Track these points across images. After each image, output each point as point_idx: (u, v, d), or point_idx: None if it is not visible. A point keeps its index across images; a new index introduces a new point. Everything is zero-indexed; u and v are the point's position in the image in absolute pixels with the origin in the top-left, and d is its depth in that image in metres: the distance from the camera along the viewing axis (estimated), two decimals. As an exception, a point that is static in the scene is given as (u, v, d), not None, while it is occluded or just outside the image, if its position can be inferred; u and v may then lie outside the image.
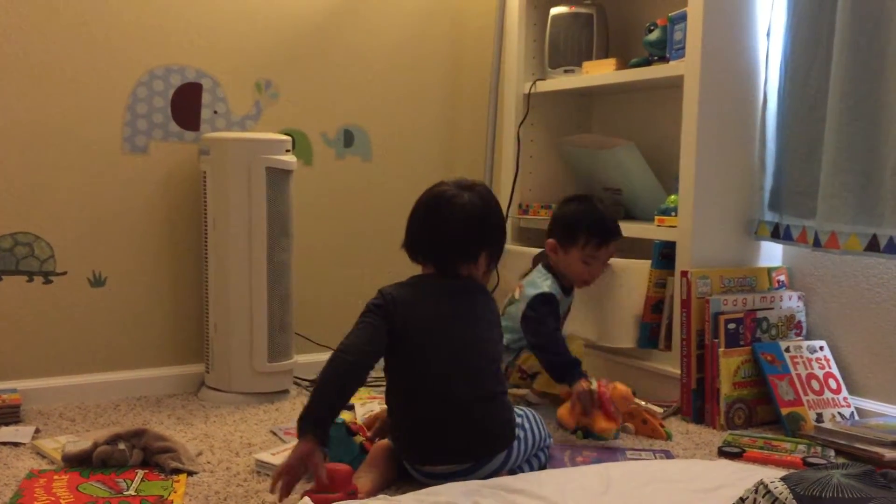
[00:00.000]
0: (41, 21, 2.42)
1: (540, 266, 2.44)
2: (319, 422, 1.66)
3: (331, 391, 1.70)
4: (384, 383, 2.76)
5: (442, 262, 1.87)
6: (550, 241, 2.41)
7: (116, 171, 2.55)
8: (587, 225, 2.36)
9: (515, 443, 1.82)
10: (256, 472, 1.90)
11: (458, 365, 1.79)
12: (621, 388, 2.15)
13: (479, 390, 1.79)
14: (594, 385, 2.12)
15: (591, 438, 2.17)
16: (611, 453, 2.03)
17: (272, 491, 1.65)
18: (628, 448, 2.10)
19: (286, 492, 1.63)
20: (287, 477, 1.63)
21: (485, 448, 1.78)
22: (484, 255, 1.89)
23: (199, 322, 2.63)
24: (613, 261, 2.65)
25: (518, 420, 1.85)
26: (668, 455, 2.05)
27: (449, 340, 1.81)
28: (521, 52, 3.02)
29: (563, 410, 2.14)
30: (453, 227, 1.85)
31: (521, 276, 2.51)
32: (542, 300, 2.32)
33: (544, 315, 2.30)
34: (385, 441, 1.87)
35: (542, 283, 2.36)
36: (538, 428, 1.91)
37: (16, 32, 2.39)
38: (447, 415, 1.77)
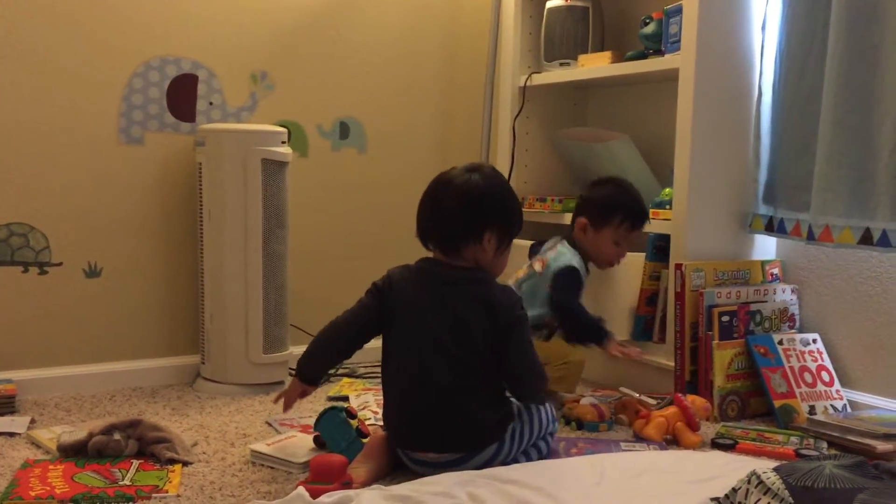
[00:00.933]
0: (36, 12, 2.41)
1: (564, 241, 2.45)
2: (301, 371, 1.94)
3: (310, 350, 1.94)
4: (380, 375, 2.78)
5: (445, 244, 1.85)
6: (581, 219, 2.44)
7: (112, 162, 2.54)
8: (626, 206, 2.40)
9: (509, 436, 1.81)
10: (252, 462, 1.90)
11: (440, 353, 1.79)
12: (699, 399, 2.20)
13: (461, 380, 1.78)
14: (663, 408, 2.15)
15: (584, 430, 2.18)
16: (605, 445, 2.04)
17: (275, 401, 1.99)
18: (622, 440, 2.10)
19: (287, 408, 1.96)
20: (286, 399, 1.96)
21: (470, 439, 1.78)
22: (489, 236, 1.84)
23: (194, 313, 2.63)
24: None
25: (516, 411, 1.85)
26: (661, 447, 2.06)
27: (434, 327, 1.80)
28: (517, 45, 3.02)
29: (651, 430, 2.09)
30: (452, 206, 1.83)
31: (542, 252, 2.49)
32: (570, 272, 2.37)
33: (570, 285, 2.35)
34: (381, 433, 1.88)
35: (571, 257, 2.40)
36: (540, 417, 1.89)
37: (11, 24, 2.38)
38: (428, 403, 1.79)
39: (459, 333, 1.79)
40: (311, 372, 1.94)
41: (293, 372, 2.67)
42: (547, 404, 1.93)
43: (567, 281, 2.36)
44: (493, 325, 1.80)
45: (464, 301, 1.81)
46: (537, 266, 2.43)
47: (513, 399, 1.88)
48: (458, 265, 1.85)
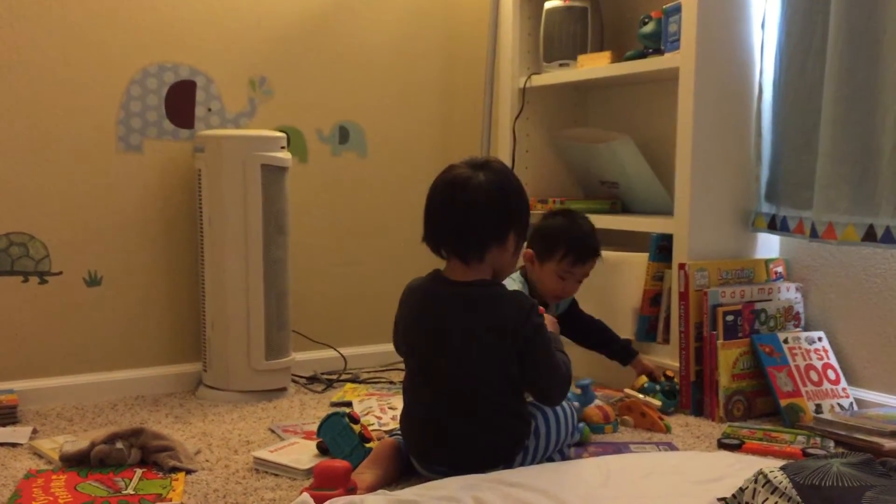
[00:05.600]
0: (34, 20, 2.41)
1: (519, 271, 2.37)
2: None
3: None
4: (383, 380, 2.79)
5: (468, 250, 1.75)
6: (528, 251, 2.34)
7: (111, 170, 2.54)
8: (568, 239, 2.29)
9: (520, 456, 1.78)
10: (255, 469, 1.89)
11: (448, 383, 1.76)
12: None
13: (457, 405, 1.75)
14: None
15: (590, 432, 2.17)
16: (615, 448, 2.02)
17: None
18: (632, 442, 2.09)
19: None
20: None
21: (469, 463, 1.73)
22: (512, 235, 1.77)
23: (195, 320, 2.62)
24: (611, 254, 2.65)
25: (533, 424, 1.80)
26: (671, 447, 2.04)
27: (442, 357, 1.76)
28: (516, 46, 3.01)
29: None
30: (479, 208, 1.72)
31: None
32: None
33: None
34: (390, 439, 1.87)
35: (516, 287, 2.27)
36: (559, 431, 1.85)
37: (8, 32, 2.38)
38: (425, 422, 1.79)
39: (469, 361, 1.74)
40: None
41: (296, 379, 2.68)
42: (569, 412, 1.90)
43: None
44: (510, 347, 1.73)
45: (476, 326, 1.74)
46: None
47: (532, 407, 1.83)
48: (471, 280, 1.77)
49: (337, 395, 2.56)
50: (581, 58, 2.85)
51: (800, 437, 2.08)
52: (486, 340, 1.74)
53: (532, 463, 1.80)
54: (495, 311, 1.75)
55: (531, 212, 2.92)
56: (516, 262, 1.88)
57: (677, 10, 2.45)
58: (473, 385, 1.75)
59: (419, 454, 1.82)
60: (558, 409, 1.87)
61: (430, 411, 1.79)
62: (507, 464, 1.76)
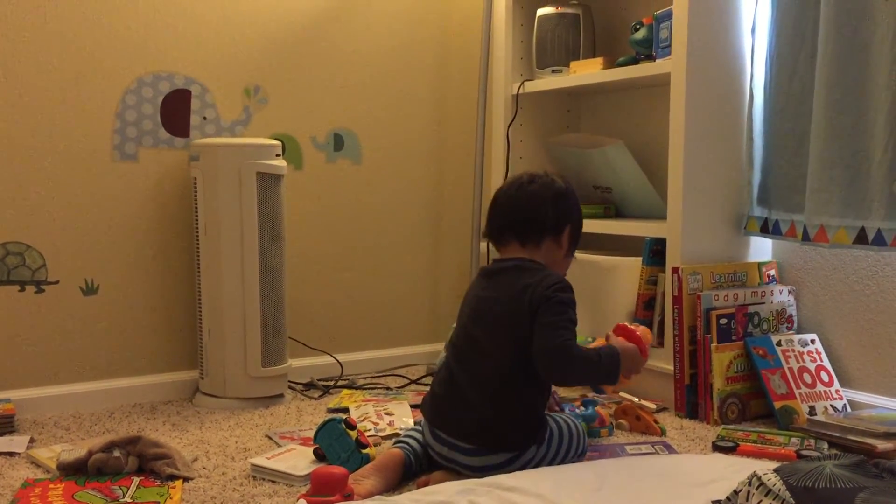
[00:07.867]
0: (29, 30, 2.41)
1: None
2: None
3: None
4: (380, 386, 2.79)
5: (529, 233, 1.90)
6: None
7: (107, 179, 2.54)
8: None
9: (532, 450, 1.80)
10: (252, 476, 1.90)
11: (470, 348, 1.85)
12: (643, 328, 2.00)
13: (480, 377, 1.81)
14: None
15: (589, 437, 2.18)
16: (611, 451, 2.03)
17: None
18: (627, 444, 2.10)
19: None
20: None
21: (482, 437, 1.77)
22: (567, 232, 1.93)
23: (192, 328, 2.63)
24: (605, 258, 2.66)
25: (550, 426, 1.84)
26: (667, 447, 2.06)
27: (469, 322, 1.88)
28: (509, 53, 3.03)
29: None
30: (544, 195, 1.91)
31: None
32: None
33: None
34: (397, 450, 1.87)
35: None
36: (570, 443, 1.88)
37: (3, 41, 2.39)
38: (449, 389, 1.85)
39: (490, 329, 1.83)
40: None
41: (293, 385, 2.68)
42: (574, 431, 1.90)
43: None
44: (526, 316, 1.79)
45: (501, 294, 1.84)
46: None
47: (549, 418, 1.86)
48: (520, 257, 1.89)
49: (334, 401, 2.56)
50: (573, 64, 2.86)
51: (794, 439, 2.09)
52: (507, 308, 1.82)
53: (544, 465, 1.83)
54: (520, 280, 1.84)
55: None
56: (567, 267, 1.98)
57: (668, 16, 2.47)
58: (493, 357, 1.81)
59: (430, 418, 1.87)
60: (571, 425, 1.90)
61: (453, 376, 1.85)
62: (519, 453, 1.79)
